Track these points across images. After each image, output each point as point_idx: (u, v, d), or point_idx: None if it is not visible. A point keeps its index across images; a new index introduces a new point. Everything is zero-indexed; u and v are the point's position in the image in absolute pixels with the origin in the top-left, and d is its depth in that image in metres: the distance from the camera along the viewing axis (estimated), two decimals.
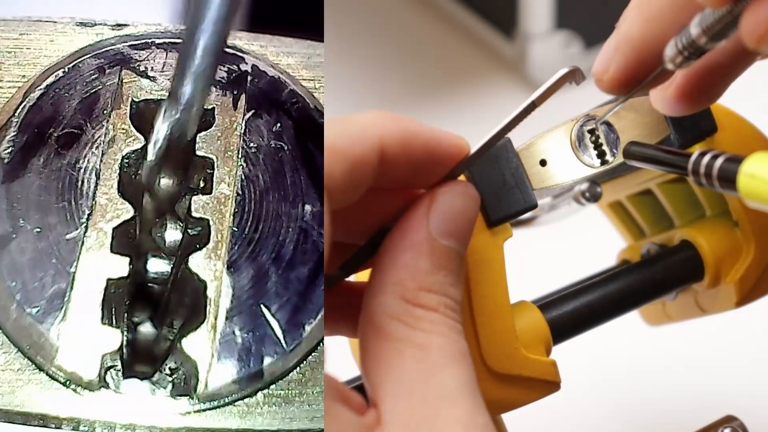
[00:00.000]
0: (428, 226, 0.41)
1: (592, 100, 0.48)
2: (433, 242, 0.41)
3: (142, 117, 0.51)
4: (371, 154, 0.40)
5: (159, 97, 0.51)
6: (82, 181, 0.49)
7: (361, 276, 0.45)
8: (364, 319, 0.41)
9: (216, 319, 0.47)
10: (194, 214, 0.49)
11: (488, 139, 0.42)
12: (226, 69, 0.52)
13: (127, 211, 0.49)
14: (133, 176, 0.50)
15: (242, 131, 0.51)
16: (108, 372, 0.47)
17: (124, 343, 0.47)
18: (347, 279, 0.45)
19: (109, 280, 0.47)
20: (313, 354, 0.48)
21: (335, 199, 0.40)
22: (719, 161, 0.39)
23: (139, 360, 0.48)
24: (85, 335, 0.47)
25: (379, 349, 0.40)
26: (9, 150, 0.50)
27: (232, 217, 0.49)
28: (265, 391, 0.48)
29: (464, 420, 0.39)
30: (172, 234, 0.51)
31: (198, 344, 0.47)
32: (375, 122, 0.41)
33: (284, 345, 0.48)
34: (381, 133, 0.41)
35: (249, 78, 0.52)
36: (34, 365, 0.47)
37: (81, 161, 0.50)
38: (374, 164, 0.41)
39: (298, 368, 0.48)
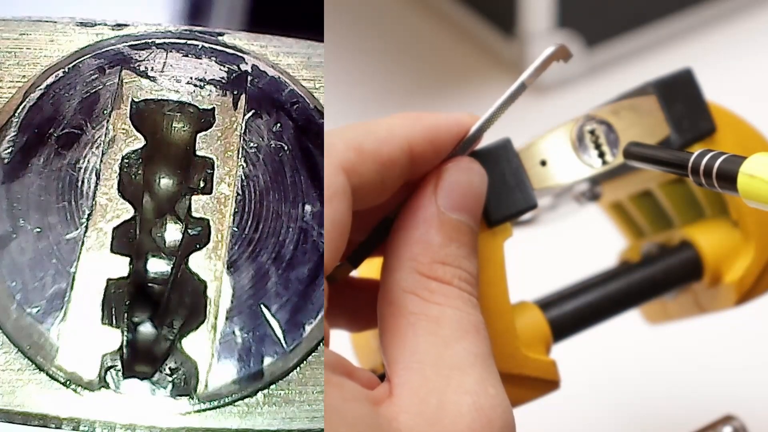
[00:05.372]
0: (437, 201, 0.42)
1: (593, 100, 0.48)
2: (443, 216, 0.41)
3: (142, 117, 0.51)
4: (400, 154, 0.41)
5: (159, 97, 0.51)
6: (82, 181, 0.49)
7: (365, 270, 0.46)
8: (381, 297, 0.42)
9: (216, 319, 0.47)
10: (194, 214, 0.49)
11: (483, 120, 0.42)
12: (226, 69, 0.52)
13: (127, 211, 0.49)
14: (133, 176, 0.50)
15: (242, 131, 0.51)
16: (108, 372, 0.47)
17: (124, 343, 0.47)
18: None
19: (109, 280, 0.47)
20: (313, 354, 0.48)
21: (364, 199, 0.41)
22: (719, 161, 0.39)
23: (139, 360, 0.48)
24: (85, 335, 0.47)
25: (396, 324, 0.41)
26: (9, 150, 0.50)
27: (232, 217, 0.49)
28: (265, 391, 0.48)
29: (474, 389, 0.39)
30: (172, 234, 0.51)
31: (198, 344, 0.47)
32: (400, 123, 0.41)
33: (284, 345, 0.48)
34: (408, 133, 0.41)
35: (249, 78, 0.52)
36: (34, 365, 0.47)
37: (81, 161, 0.50)
38: (404, 164, 0.41)
39: (298, 368, 0.48)
